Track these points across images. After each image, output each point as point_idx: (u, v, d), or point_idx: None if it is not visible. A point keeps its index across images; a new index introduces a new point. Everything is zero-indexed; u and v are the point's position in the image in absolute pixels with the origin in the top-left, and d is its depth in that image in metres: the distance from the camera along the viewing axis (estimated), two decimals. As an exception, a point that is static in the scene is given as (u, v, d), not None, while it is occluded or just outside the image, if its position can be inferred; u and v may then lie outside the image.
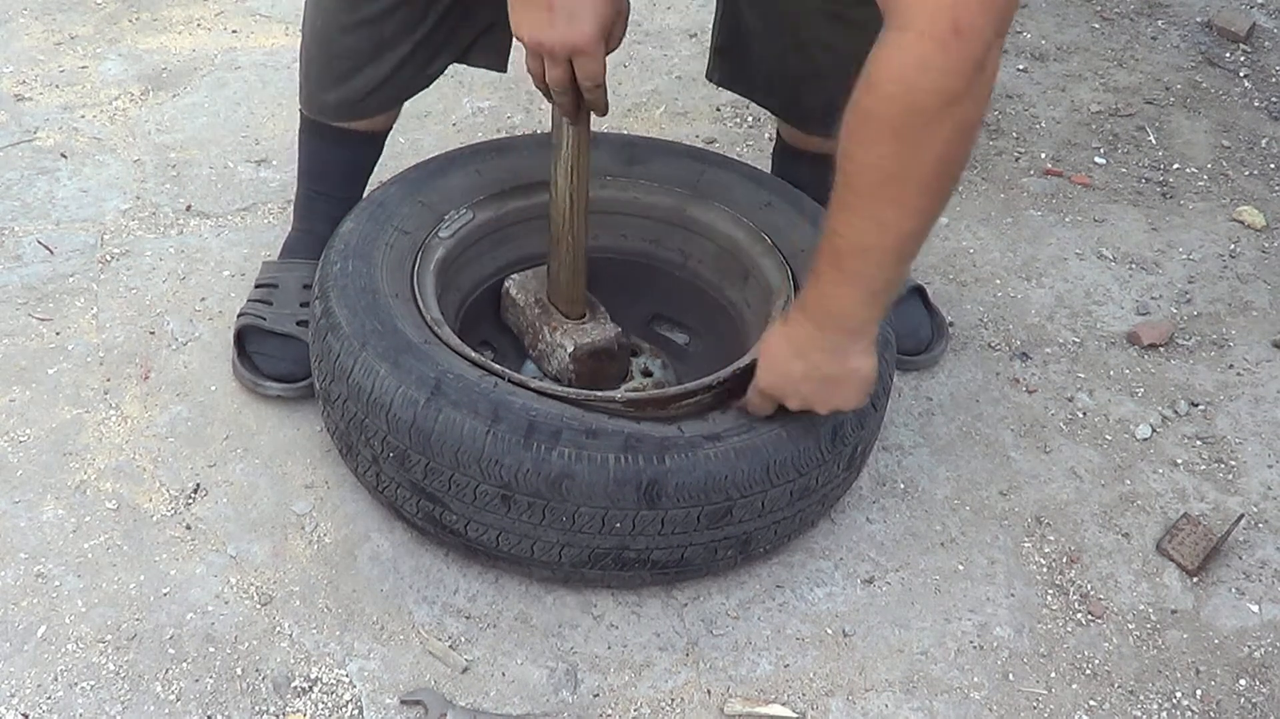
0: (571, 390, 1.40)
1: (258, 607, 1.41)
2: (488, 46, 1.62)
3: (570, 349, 1.51)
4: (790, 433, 1.34)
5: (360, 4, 1.52)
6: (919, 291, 1.76)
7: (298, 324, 1.63)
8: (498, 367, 1.37)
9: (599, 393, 1.38)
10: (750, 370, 1.35)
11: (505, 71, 1.65)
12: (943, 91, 1.07)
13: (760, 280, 1.57)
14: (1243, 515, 1.58)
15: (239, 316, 1.66)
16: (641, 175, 1.65)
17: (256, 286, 1.70)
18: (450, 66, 1.63)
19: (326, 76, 1.61)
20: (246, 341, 1.64)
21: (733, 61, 1.67)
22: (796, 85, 1.63)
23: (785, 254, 1.55)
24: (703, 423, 1.35)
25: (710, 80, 1.72)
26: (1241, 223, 2.07)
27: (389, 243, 1.50)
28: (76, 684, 1.33)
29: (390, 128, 1.71)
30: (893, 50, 1.08)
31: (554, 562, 1.35)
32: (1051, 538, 1.56)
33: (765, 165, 2.10)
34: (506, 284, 1.60)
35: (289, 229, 1.76)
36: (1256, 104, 2.35)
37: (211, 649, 1.37)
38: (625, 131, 2.17)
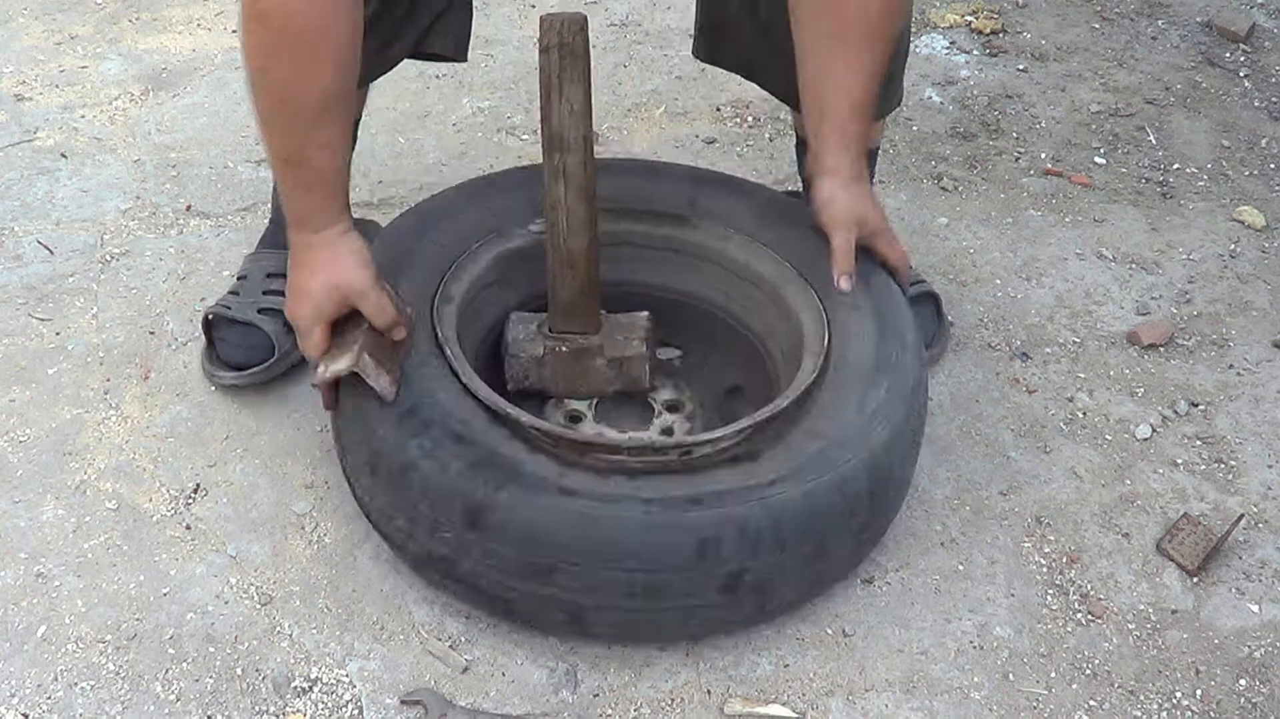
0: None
1: (258, 607, 1.41)
2: (445, 30, 1.60)
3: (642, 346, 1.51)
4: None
5: None
6: (933, 298, 1.76)
7: (258, 312, 1.64)
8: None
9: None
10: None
11: (465, 61, 1.64)
12: None
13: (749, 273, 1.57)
14: (1243, 515, 1.58)
15: (210, 307, 1.67)
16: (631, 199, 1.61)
17: (235, 279, 1.71)
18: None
19: None
20: (213, 330, 1.65)
21: (712, 40, 1.69)
22: (773, 65, 1.63)
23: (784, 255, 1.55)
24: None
25: (696, 57, 1.73)
26: (1241, 223, 2.07)
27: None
28: (76, 684, 1.33)
29: (358, 118, 1.67)
30: None
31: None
32: (1051, 538, 1.56)
33: (765, 165, 2.10)
34: (509, 341, 1.53)
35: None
36: (1256, 104, 2.35)
37: (211, 649, 1.37)
38: (625, 132, 2.17)
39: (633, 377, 1.51)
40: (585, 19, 1.38)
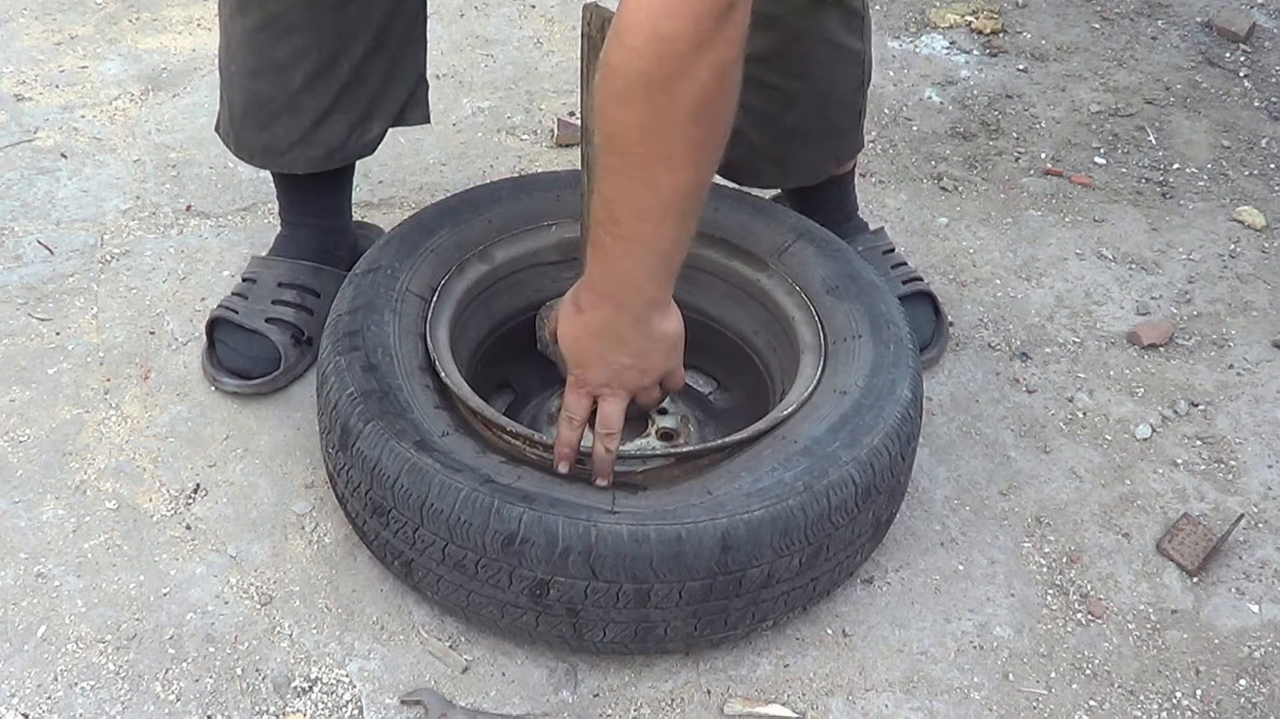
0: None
1: (258, 607, 1.41)
2: (419, 102, 1.61)
3: None
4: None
5: (263, 46, 1.48)
6: (929, 297, 1.76)
7: (266, 321, 1.63)
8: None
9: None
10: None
11: (430, 123, 1.64)
12: (691, 37, 1.03)
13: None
14: (1243, 515, 1.58)
15: (215, 308, 1.66)
16: None
17: (240, 280, 1.70)
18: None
19: (246, 123, 1.58)
20: (216, 333, 1.64)
21: None
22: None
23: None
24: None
25: None
26: (1241, 223, 2.07)
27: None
28: (76, 684, 1.33)
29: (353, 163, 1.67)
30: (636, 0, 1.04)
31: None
32: (1051, 538, 1.56)
33: (765, 165, 2.10)
34: (542, 312, 1.55)
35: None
36: (1256, 104, 2.35)
37: (211, 649, 1.37)
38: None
39: None
40: (613, 17, 1.39)
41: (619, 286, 1.20)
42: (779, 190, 1.84)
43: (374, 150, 1.62)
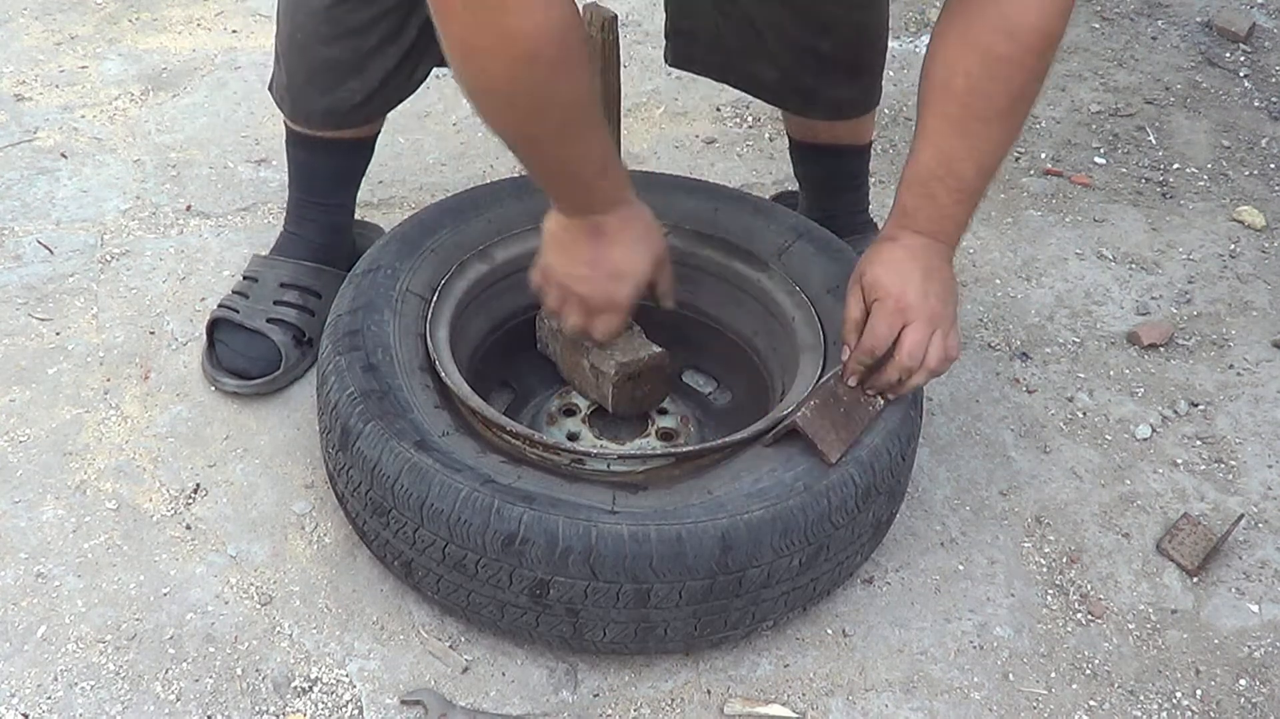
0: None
1: (258, 607, 1.41)
2: None
3: (613, 372, 1.45)
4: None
5: (341, 17, 1.51)
6: None
7: (268, 321, 1.63)
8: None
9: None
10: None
11: None
12: (1062, 31, 1.26)
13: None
14: (1243, 515, 1.58)
15: (216, 308, 1.66)
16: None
17: (241, 278, 1.70)
18: (447, 69, 1.63)
19: (311, 89, 1.59)
20: (216, 333, 1.64)
21: (683, 44, 1.69)
22: (748, 62, 1.64)
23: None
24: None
25: (669, 64, 1.73)
26: (1241, 223, 2.07)
27: None
28: (76, 684, 1.33)
29: (379, 130, 1.70)
30: (1030, 2, 1.23)
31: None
32: (1051, 538, 1.56)
33: (765, 165, 2.10)
34: (543, 312, 1.53)
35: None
36: (1256, 104, 2.35)
37: (211, 649, 1.37)
38: (625, 133, 2.17)
39: (601, 393, 1.48)
40: (614, 17, 1.40)
41: (947, 231, 1.35)
42: (796, 190, 1.86)
43: (417, 89, 1.63)
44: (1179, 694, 1.40)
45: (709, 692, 1.37)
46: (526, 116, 1.20)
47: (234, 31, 2.34)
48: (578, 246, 1.34)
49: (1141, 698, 1.40)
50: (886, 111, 2.26)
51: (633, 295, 1.37)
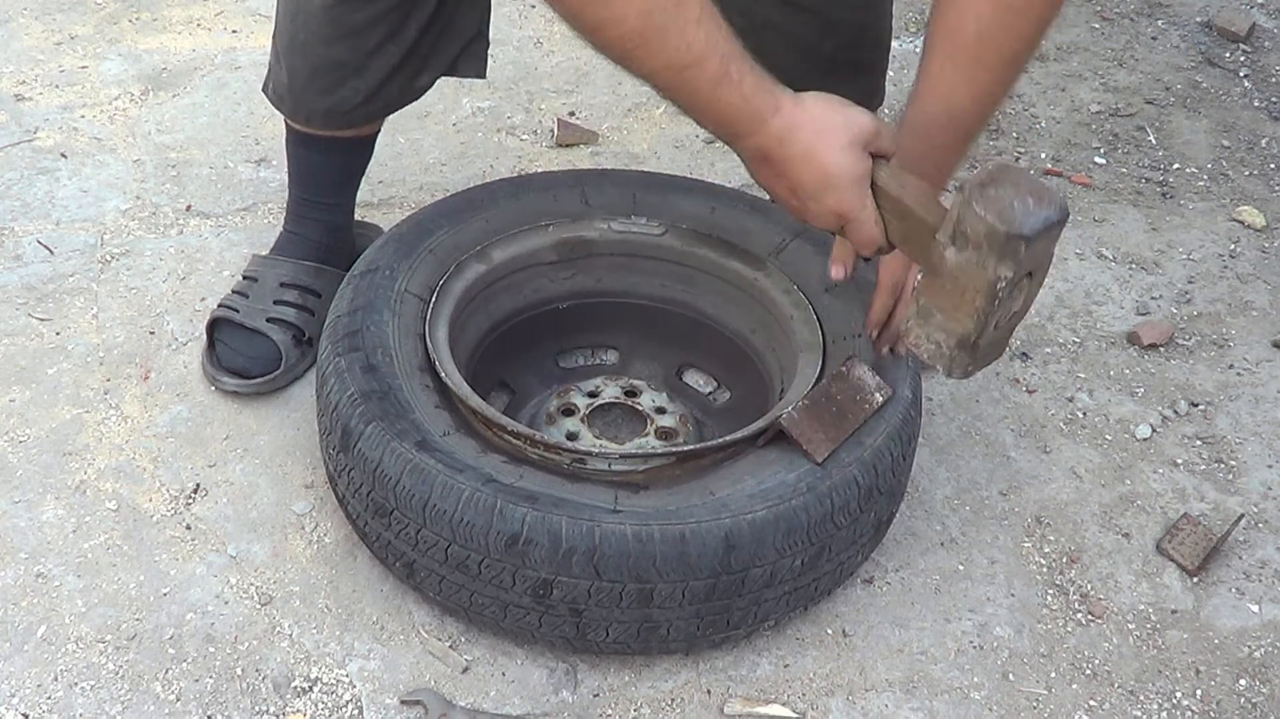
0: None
1: (258, 607, 1.41)
2: (473, 56, 1.62)
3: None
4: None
5: (341, 16, 1.51)
6: None
7: (268, 321, 1.63)
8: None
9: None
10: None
11: (485, 78, 1.65)
12: None
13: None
14: (1243, 515, 1.58)
15: (216, 307, 1.67)
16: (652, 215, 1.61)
17: (241, 278, 1.70)
18: (451, 76, 1.63)
19: (311, 88, 1.59)
20: (216, 332, 1.64)
21: None
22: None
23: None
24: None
25: None
26: (1241, 223, 2.07)
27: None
28: (76, 684, 1.33)
29: (379, 129, 1.70)
30: None
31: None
32: (1051, 538, 1.56)
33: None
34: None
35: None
36: (1256, 104, 2.35)
37: (211, 649, 1.37)
38: (625, 132, 2.17)
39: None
40: None
41: (946, 175, 1.38)
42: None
43: (420, 97, 1.63)
44: (1179, 694, 1.40)
45: (709, 692, 1.37)
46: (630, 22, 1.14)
47: (234, 31, 2.34)
48: (770, 184, 1.24)
49: (1141, 698, 1.40)
50: (886, 111, 2.25)
51: (852, 196, 1.23)
